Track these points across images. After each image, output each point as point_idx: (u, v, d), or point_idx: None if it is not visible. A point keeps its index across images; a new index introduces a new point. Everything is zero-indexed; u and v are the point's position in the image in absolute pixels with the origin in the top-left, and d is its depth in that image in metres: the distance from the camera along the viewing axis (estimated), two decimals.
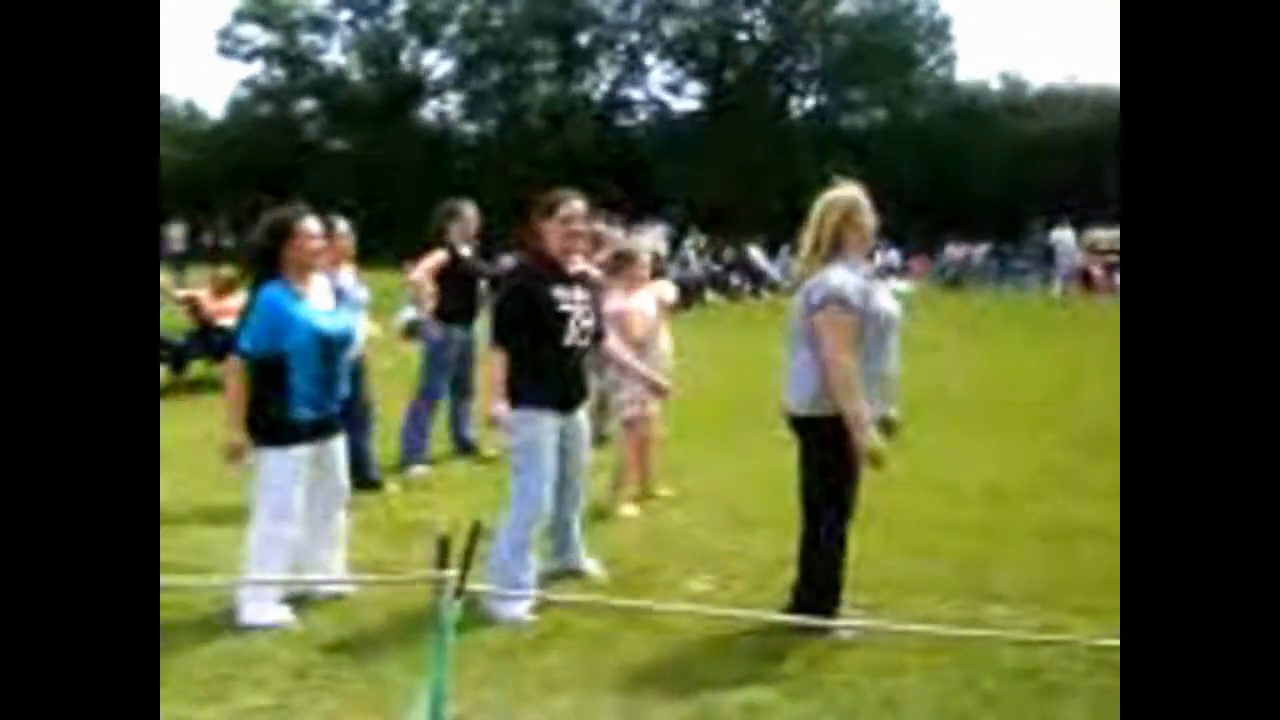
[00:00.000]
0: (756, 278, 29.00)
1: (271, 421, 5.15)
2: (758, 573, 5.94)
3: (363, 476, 7.34)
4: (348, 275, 7.51)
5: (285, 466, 5.16)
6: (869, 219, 4.99)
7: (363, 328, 7.43)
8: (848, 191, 5.00)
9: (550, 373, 5.38)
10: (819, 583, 5.04)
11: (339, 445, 5.50)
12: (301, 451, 5.20)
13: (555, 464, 5.41)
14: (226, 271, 13.71)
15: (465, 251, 8.60)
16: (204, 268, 17.76)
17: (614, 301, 6.97)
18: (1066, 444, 9.18)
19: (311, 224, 5.28)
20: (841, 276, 4.85)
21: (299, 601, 5.35)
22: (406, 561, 5.93)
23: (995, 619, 5.25)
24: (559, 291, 5.40)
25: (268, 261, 5.21)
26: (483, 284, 8.94)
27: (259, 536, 5.21)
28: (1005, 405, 11.46)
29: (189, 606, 5.24)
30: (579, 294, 5.49)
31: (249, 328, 5.16)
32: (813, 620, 4.87)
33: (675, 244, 29.12)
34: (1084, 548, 6.27)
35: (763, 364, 14.23)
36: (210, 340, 12.45)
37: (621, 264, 7.31)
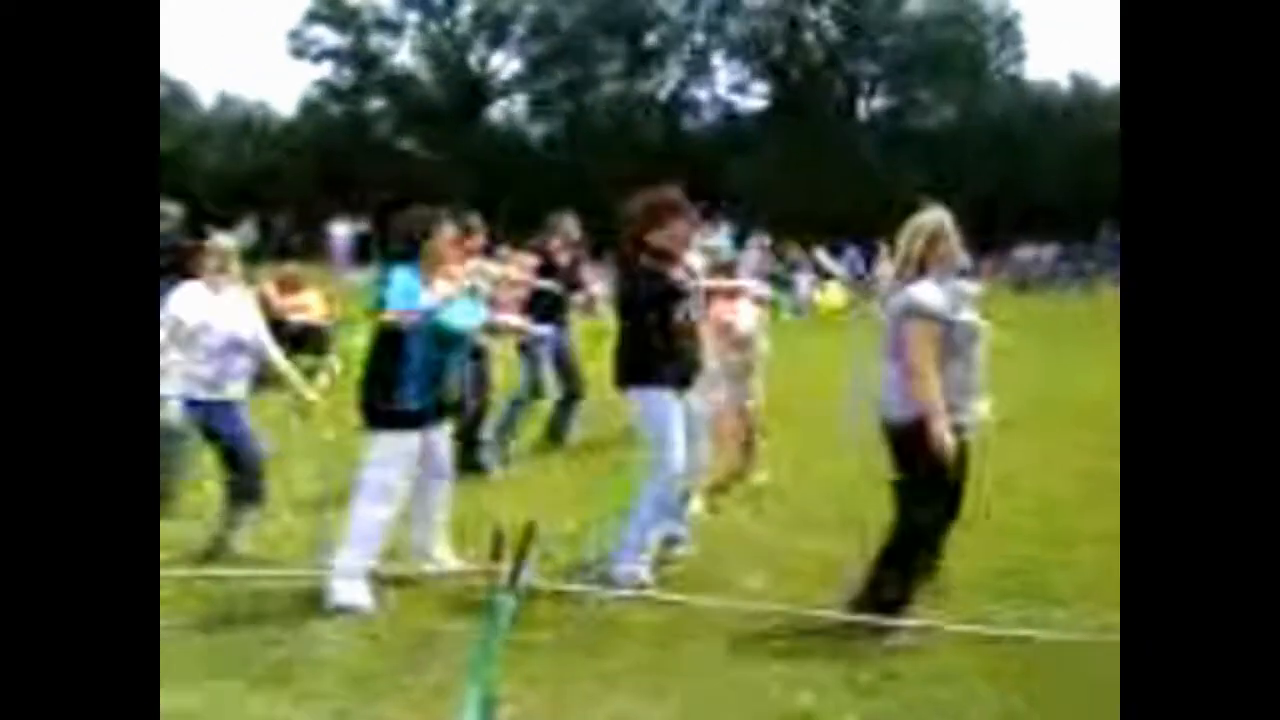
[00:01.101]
0: (825, 277, 28.77)
1: (385, 406, 5.48)
2: (816, 571, 5.92)
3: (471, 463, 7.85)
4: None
5: (394, 451, 5.46)
6: (952, 242, 5.31)
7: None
8: (934, 215, 5.35)
9: (678, 348, 5.94)
10: (892, 581, 5.17)
11: (443, 434, 5.80)
12: (412, 438, 5.51)
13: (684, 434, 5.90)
14: (291, 268, 13.91)
15: (563, 259, 9.17)
16: (271, 265, 17.98)
17: (717, 309, 7.47)
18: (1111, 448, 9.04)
19: (449, 228, 5.79)
20: (926, 291, 5.17)
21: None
22: (470, 556, 5.97)
23: (1054, 621, 5.19)
24: (679, 275, 6.02)
25: (406, 252, 5.59)
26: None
27: (357, 516, 5.49)
28: (1070, 410, 11.32)
29: (242, 597, 5.33)
30: (683, 273, 6.09)
31: (393, 293, 5.44)
32: (869, 619, 4.87)
33: (740, 243, 28.96)
34: None
35: (827, 365, 14.20)
36: (279, 335, 12.62)
37: (723, 274, 7.88)
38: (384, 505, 5.47)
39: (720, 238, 25.56)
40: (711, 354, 7.36)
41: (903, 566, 5.18)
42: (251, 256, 29.83)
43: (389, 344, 5.53)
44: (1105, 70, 49.61)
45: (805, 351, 15.68)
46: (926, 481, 5.14)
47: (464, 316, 5.69)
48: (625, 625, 5.07)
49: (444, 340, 5.55)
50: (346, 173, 45.89)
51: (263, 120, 54.50)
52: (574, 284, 9.43)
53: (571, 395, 9.37)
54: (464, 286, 5.72)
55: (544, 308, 8.93)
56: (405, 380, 5.46)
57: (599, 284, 9.87)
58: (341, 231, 33.67)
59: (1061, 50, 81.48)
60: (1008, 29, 50.91)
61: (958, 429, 5.13)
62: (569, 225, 9.30)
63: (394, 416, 5.48)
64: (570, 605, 5.24)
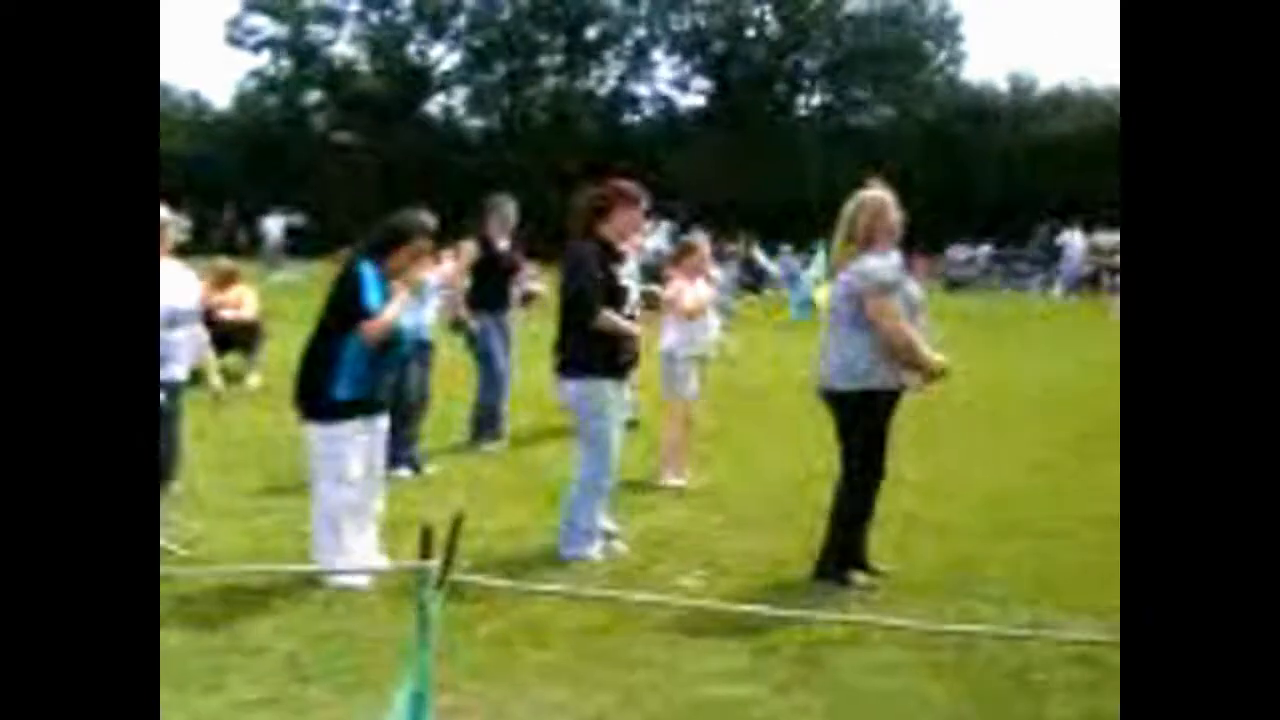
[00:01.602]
0: (758, 276, 28.98)
1: (321, 398, 5.54)
2: (751, 569, 5.96)
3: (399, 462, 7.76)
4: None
5: (336, 442, 5.52)
6: (895, 216, 5.63)
7: (431, 311, 8.17)
8: (878, 192, 5.73)
9: (611, 343, 5.99)
10: (844, 534, 5.62)
11: (382, 425, 5.83)
12: (352, 426, 5.56)
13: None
14: (225, 263, 13.73)
15: (502, 244, 9.09)
16: (205, 259, 17.79)
17: (673, 285, 8.04)
18: (1065, 444, 9.19)
19: (425, 241, 5.85)
20: (876, 264, 5.49)
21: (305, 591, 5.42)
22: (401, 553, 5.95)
23: (986, 617, 5.26)
24: (619, 269, 6.09)
25: (376, 252, 5.67)
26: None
27: (320, 511, 5.60)
28: (1005, 407, 11.48)
29: (190, 599, 5.26)
30: (628, 269, 6.22)
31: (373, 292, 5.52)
32: (803, 614, 4.93)
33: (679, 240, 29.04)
34: (1079, 546, 6.27)
35: (764, 360, 14.26)
36: (211, 332, 12.46)
37: (682, 254, 8.46)
38: (345, 491, 5.54)
39: (659, 236, 25.68)
40: (669, 335, 7.92)
41: (853, 522, 5.63)
42: (184, 251, 29.71)
43: (326, 336, 5.57)
44: (1045, 72, 50.14)
45: (769, 349, 15.77)
46: (871, 445, 5.55)
47: (407, 314, 5.79)
48: (560, 621, 5.07)
49: (390, 336, 5.63)
50: (281, 166, 45.43)
51: (196, 111, 53.76)
52: (514, 268, 9.34)
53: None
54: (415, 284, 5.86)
55: (485, 297, 8.93)
56: (341, 372, 5.50)
57: (538, 283, 9.85)
58: (274, 226, 33.35)
59: (1002, 51, 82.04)
60: (948, 29, 51.34)
61: (896, 392, 5.57)
62: (507, 209, 9.17)
63: (330, 408, 5.53)
64: (505, 600, 5.24)
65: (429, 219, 5.86)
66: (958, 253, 33.80)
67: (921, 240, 33.79)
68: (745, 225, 32.64)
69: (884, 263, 5.52)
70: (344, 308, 5.56)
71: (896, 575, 5.81)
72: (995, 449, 9.25)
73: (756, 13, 52.07)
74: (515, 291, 9.41)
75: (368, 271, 5.55)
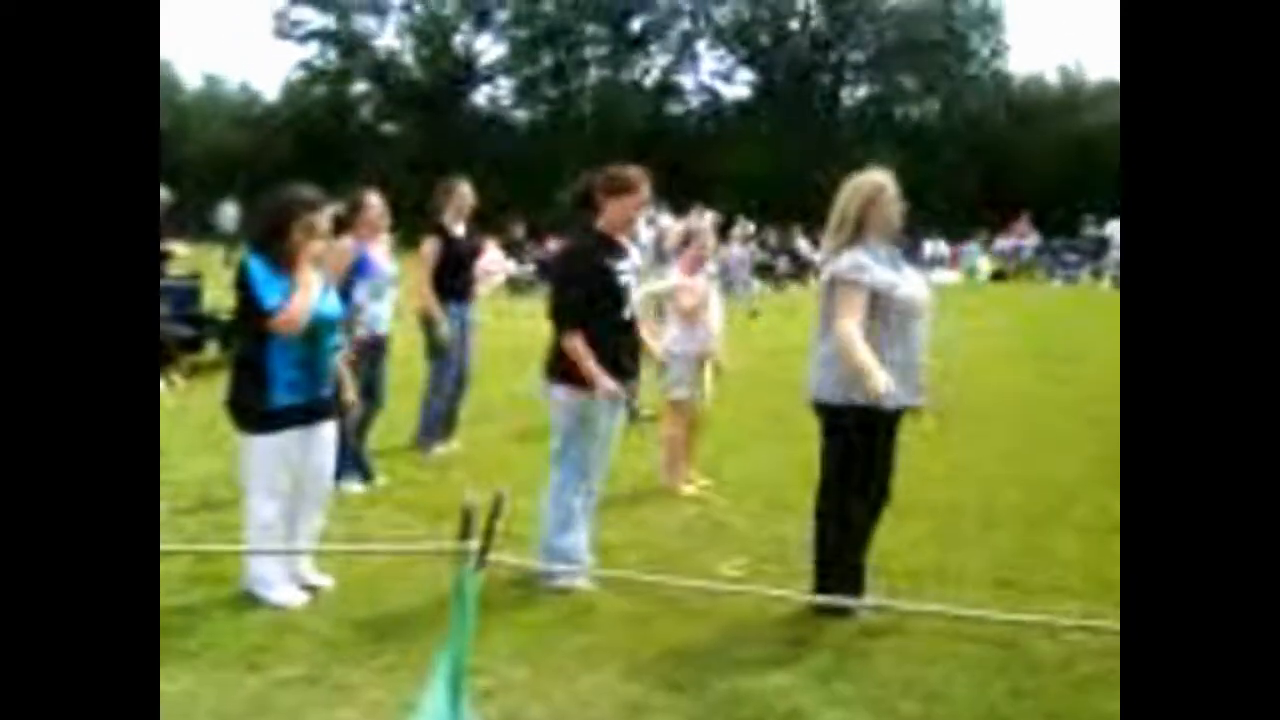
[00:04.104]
0: (802, 266, 28.92)
1: (253, 406, 5.07)
2: (792, 558, 5.92)
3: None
4: (379, 250, 7.37)
5: (267, 452, 5.07)
6: (893, 205, 5.02)
7: (389, 304, 7.39)
8: (875, 176, 5.05)
9: (609, 347, 5.37)
10: (828, 568, 5.06)
11: (328, 432, 5.32)
12: (286, 436, 5.08)
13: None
14: None
15: (459, 231, 8.37)
16: None
17: (673, 276, 7.53)
18: (1113, 437, 9.07)
19: (322, 216, 5.20)
20: (853, 259, 4.88)
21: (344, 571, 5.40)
22: (434, 537, 5.96)
23: (1031, 609, 5.21)
24: (618, 265, 5.43)
25: (261, 245, 5.10)
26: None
27: (249, 524, 5.16)
28: (1056, 396, 11.36)
29: (226, 579, 5.30)
30: (628, 265, 5.51)
31: (269, 288, 5.01)
32: (839, 600, 4.88)
33: (724, 231, 29.00)
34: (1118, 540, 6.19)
35: (800, 349, 14.19)
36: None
37: (683, 244, 7.79)
38: (270, 503, 5.10)
39: (702, 222, 25.60)
40: (669, 332, 7.42)
41: (832, 549, 5.05)
42: (233, 239, 30.00)
43: (248, 345, 5.13)
44: (1091, 64, 49.65)
45: (776, 332, 15.70)
46: (850, 469, 4.98)
47: (329, 304, 5.27)
48: (601, 606, 5.08)
49: (310, 331, 5.09)
50: (328, 156, 45.77)
51: (246, 102, 54.29)
52: (475, 253, 8.64)
53: (458, 383, 8.50)
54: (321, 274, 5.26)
55: (449, 287, 8.19)
56: (273, 380, 5.05)
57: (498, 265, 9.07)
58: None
59: (1048, 44, 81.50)
60: (991, 21, 50.94)
61: (891, 415, 4.95)
62: (462, 191, 8.35)
63: (268, 417, 5.06)
64: (545, 585, 5.26)
65: (308, 190, 5.22)
66: (1003, 243, 33.58)
67: (966, 231, 33.66)
68: (789, 215, 32.53)
69: (862, 258, 4.89)
70: (248, 314, 5.06)
71: (940, 565, 5.76)
72: (1044, 439, 9.15)
73: (801, 5, 51.99)
74: (478, 281, 8.78)
75: (256, 268, 5.00)
